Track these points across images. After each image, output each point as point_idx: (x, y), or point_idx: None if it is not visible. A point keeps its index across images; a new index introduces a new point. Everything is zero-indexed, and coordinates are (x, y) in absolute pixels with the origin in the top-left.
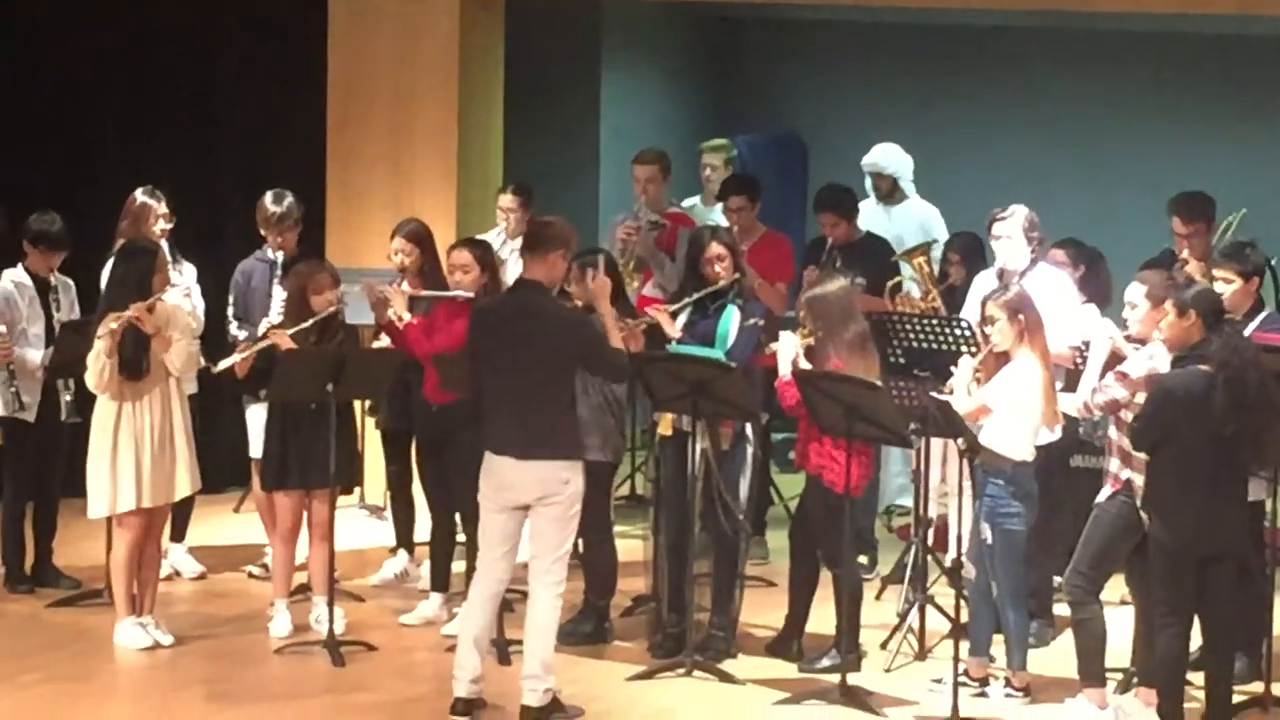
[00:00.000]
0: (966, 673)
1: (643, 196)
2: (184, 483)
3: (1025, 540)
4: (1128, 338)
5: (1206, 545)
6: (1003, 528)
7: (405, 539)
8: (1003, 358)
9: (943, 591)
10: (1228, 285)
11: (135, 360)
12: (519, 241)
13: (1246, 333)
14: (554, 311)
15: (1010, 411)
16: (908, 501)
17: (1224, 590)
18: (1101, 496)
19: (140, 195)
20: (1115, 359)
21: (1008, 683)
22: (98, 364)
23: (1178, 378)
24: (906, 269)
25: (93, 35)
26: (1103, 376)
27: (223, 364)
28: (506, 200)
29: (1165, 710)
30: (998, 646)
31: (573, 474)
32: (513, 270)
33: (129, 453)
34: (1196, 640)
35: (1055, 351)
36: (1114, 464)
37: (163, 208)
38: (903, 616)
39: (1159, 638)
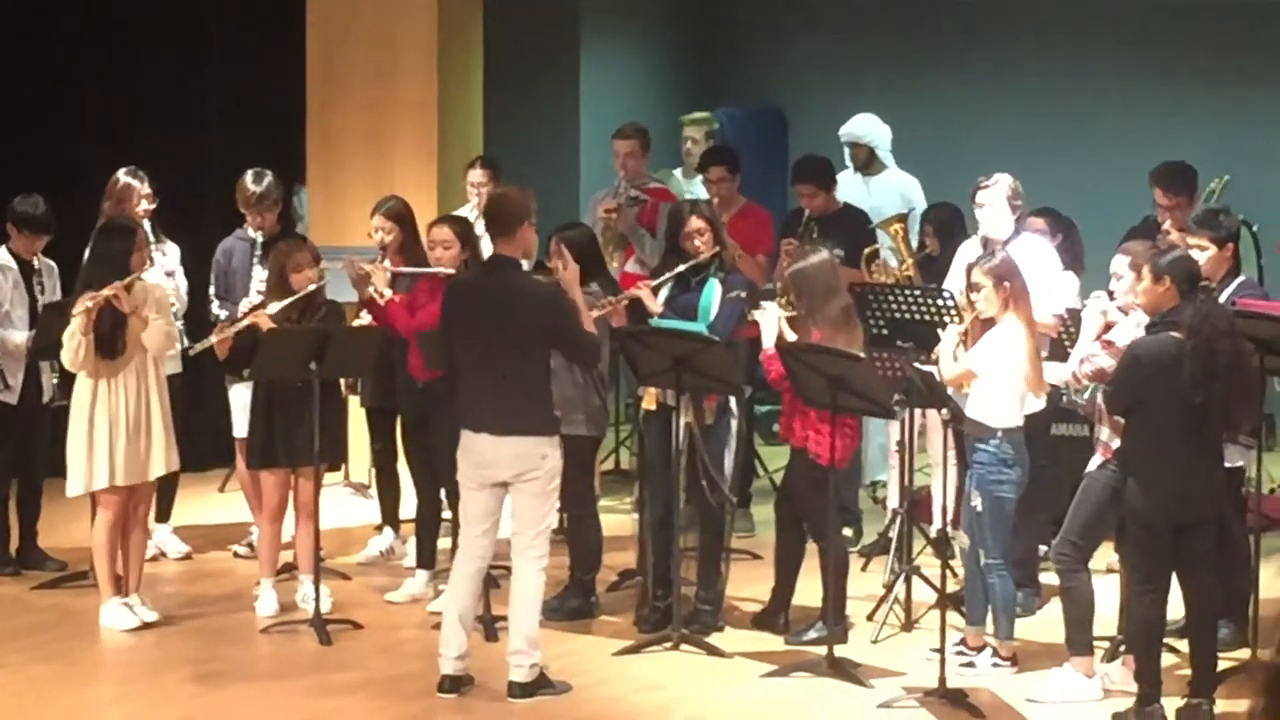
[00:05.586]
0: (964, 642)
1: (622, 171)
2: (159, 462)
3: (1014, 508)
4: (1117, 308)
5: (1181, 512)
6: (993, 494)
7: (391, 516)
8: (988, 325)
9: (928, 562)
10: (1202, 252)
11: (111, 339)
12: None
13: (1222, 299)
14: (527, 287)
15: (996, 378)
16: (886, 475)
17: (1203, 557)
18: (1092, 465)
19: (123, 176)
20: (1106, 329)
21: (995, 652)
22: (73, 341)
23: (1147, 344)
24: (883, 238)
25: (73, 16)
26: None
27: (199, 345)
28: (476, 175)
29: (1141, 673)
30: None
31: (550, 449)
32: (488, 246)
33: (104, 431)
34: (1182, 608)
35: (1040, 320)
36: (1104, 433)
37: (145, 188)
38: (889, 588)
39: (1134, 603)
